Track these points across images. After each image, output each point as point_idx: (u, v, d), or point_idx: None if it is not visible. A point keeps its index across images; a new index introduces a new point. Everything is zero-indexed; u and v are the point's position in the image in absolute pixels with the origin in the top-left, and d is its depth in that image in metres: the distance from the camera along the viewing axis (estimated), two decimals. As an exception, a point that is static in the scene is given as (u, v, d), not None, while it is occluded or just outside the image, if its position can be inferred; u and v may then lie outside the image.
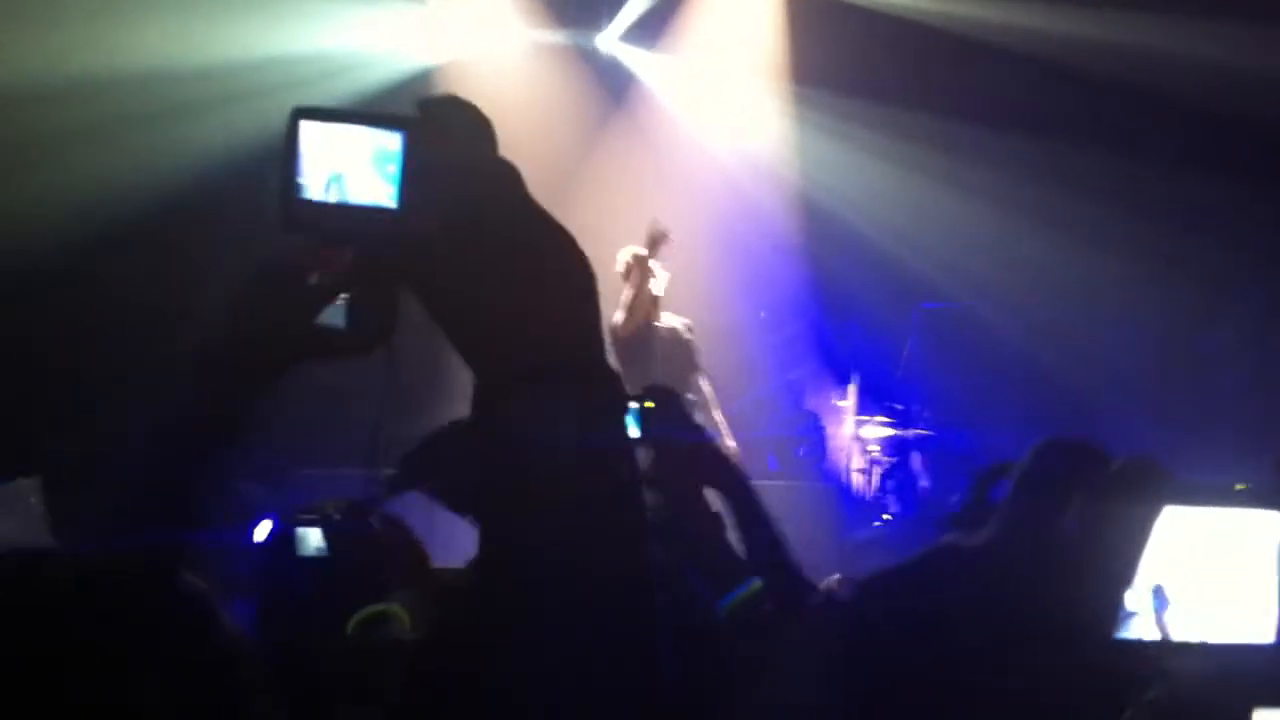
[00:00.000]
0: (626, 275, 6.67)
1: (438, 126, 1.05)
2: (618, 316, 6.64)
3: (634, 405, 2.64)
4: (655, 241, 6.66)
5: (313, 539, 2.45)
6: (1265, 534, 2.00)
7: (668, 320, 6.82)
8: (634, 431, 2.65)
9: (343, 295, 1.50)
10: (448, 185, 1.04)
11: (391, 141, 1.10)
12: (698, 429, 2.75)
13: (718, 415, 6.85)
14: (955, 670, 1.65)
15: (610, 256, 6.77)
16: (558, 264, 1.00)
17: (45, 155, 6.49)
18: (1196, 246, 7.82)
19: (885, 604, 1.75)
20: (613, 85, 9.09)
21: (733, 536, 2.53)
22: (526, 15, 8.75)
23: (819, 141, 8.89)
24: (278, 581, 2.41)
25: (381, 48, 7.99)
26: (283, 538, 2.44)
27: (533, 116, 8.46)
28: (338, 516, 2.47)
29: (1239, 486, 2.06)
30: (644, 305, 6.63)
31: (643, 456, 2.69)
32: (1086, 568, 1.75)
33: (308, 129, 1.14)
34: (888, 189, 8.62)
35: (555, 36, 8.92)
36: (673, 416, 2.62)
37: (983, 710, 1.65)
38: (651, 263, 6.66)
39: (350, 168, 1.12)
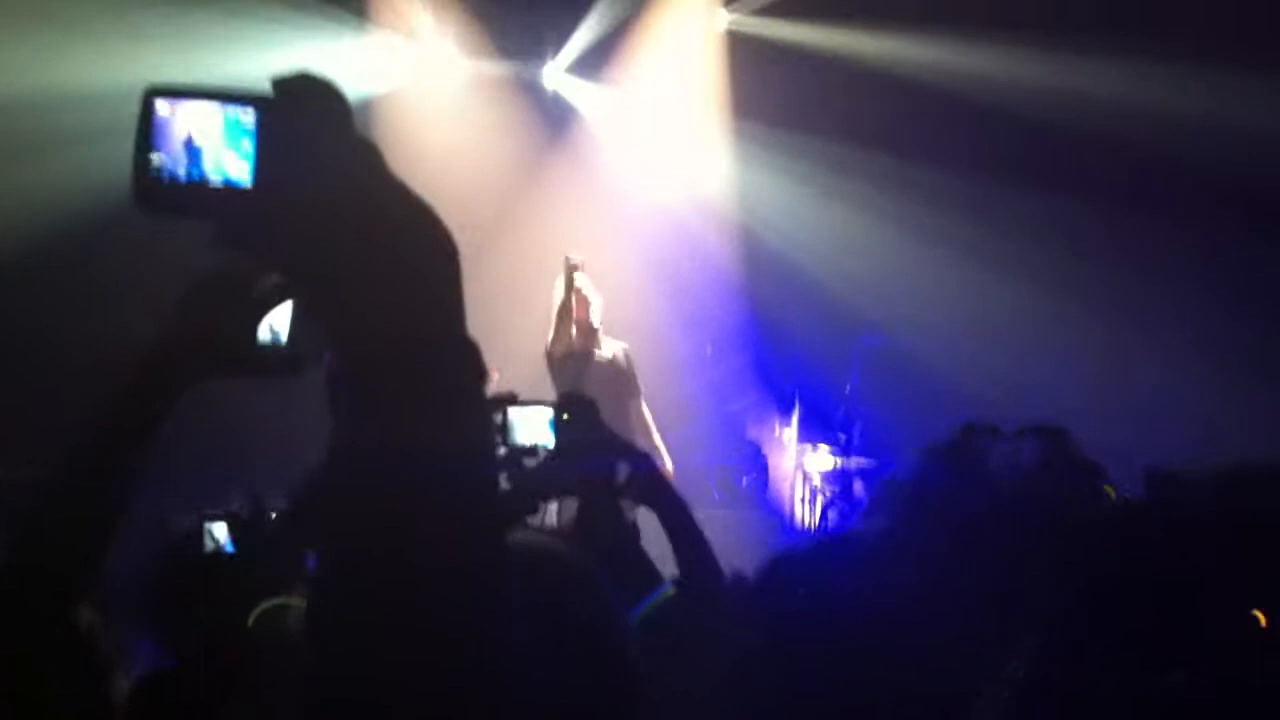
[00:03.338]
0: (563, 302, 6.73)
1: (292, 103, 1.05)
2: (549, 338, 6.71)
3: (550, 414, 2.67)
4: (569, 273, 6.71)
5: (218, 534, 2.47)
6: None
7: (607, 346, 6.85)
8: (549, 439, 2.68)
9: (284, 311, 1.48)
10: (303, 162, 1.03)
11: (245, 116, 1.09)
12: (614, 439, 2.77)
13: (657, 439, 6.88)
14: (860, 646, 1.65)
15: (548, 287, 6.82)
16: (418, 241, 0.99)
17: None
18: (1131, 284, 7.97)
19: (786, 582, 1.75)
20: (555, 119, 9.14)
21: (651, 550, 2.55)
22: (471, 47, 8.79)
23: (760, 176, 8.98)
24: (182, 576, 2.43)
25: (321, 74, 7.95)
26: (188, 534, 2.46)
27: (474, 148, 8.50)
28: (244, 514, 2.50)
29: (1108, 488, 2.08)
30: (567, 324, 6.67)
31: (555, 467, 2.71)
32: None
33: (161, 106, 1.14)
34: (828, 224, 8.71)
35: (500, 68, 8.95)
36: (589, 426, 2.64)
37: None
38: (584, 289, 6.71)
39: (205, 143, 1.11)
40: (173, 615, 2.37)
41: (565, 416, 2.68)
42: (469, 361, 0.97)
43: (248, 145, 1.10)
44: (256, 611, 2.22)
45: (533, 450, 2.72)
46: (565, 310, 6.70)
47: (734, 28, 9.13)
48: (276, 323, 1.50)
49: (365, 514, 0.91)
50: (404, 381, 0.94)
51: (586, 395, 2.88)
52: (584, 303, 6.73)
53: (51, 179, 6.74)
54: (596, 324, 6.76)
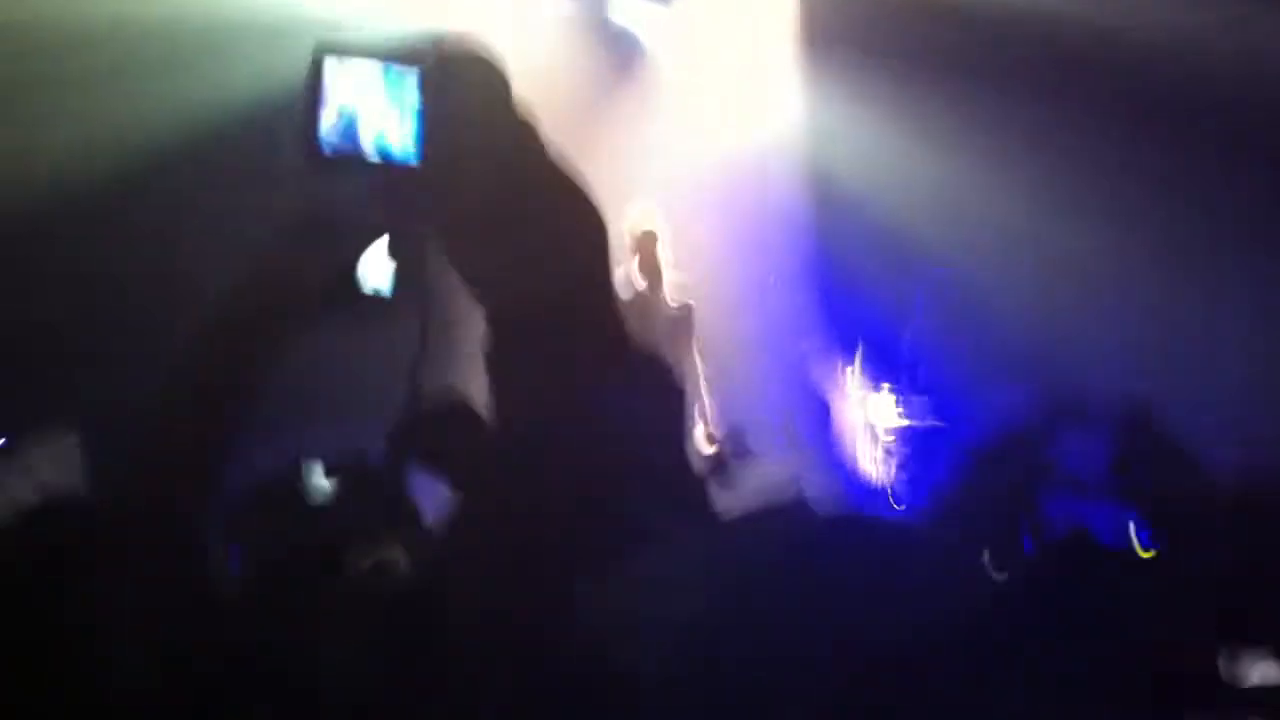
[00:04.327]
0: (630, 245, 6.72)
1: (455, 72, 1.04)
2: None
3: None
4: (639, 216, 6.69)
5: (319, 483, 2.50)
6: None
7: (669, 294, 6.84)
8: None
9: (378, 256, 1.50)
10: (468, 137, 1.03)
11: (408, 78, 1.09)
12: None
13: (705, 397, 6.87)
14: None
15: (615, 217, 6.80)
16: (572, 213, 1.00)
17: (71, 97, 6.49)
18: (1205, 223, 7.78)
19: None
20: (622, 54, 9.04)
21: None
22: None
23: (830, 109, 8.83)
24: (281, 523, 2.48)
25: (389, 17, 7.94)
26: (288, 481, 2.50)
27: (538, 84, 8.43)
28: (344, 463, 2.54)
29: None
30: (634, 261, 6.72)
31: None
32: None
33: (331, 66, 1.13)
34: (899, 158, 8.55)
35: (566, 7, 8.88)
36: None
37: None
38: (654, 227, 6.71)
39: (366, 107, 1.10)
40: (265, 555, 2.41)
41: None
42: (618, 323, 0.98)
43: (411, 108, 1.10)
44: (353, 561, 2.25)
45: None
46: (634, 247, 6.68)
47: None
48: (370, 267, 1.51)
49: (512, 465, 0.93)
50: (553, 344, 0.95)
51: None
52: (652, 239, 6.73)
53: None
54: (664, 263, 6.75)
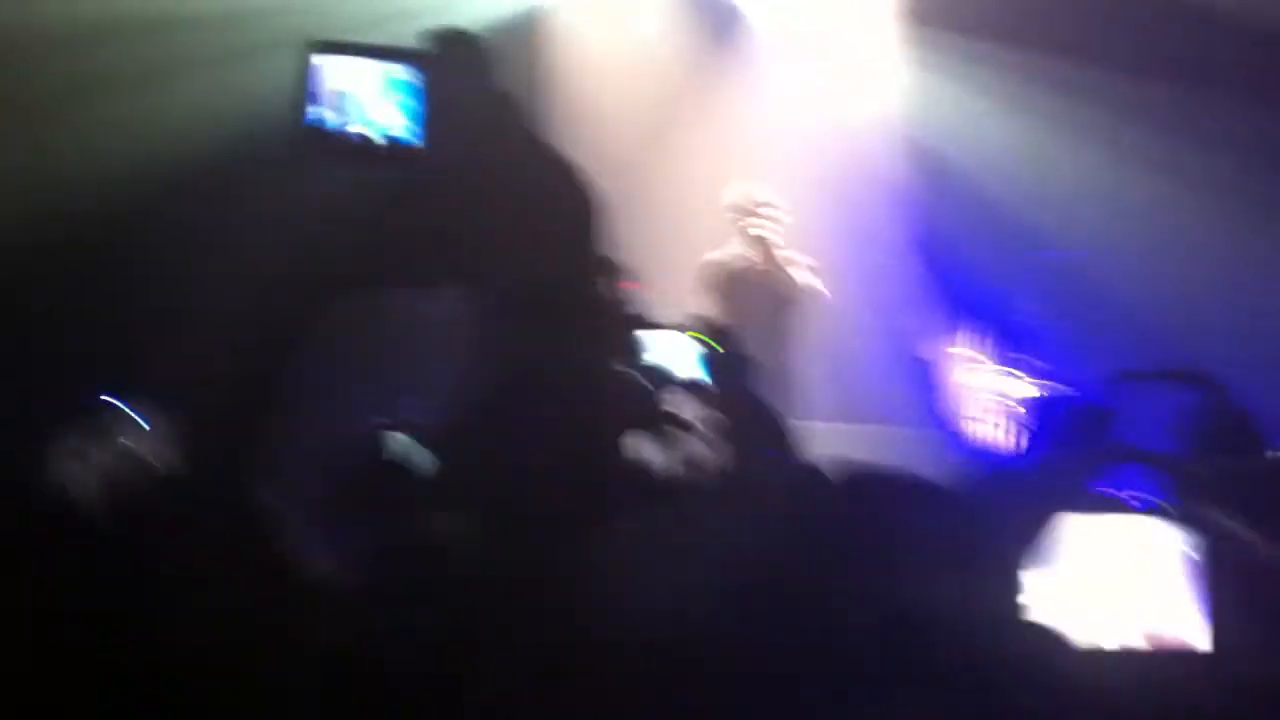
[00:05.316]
0: (735, 213, 6.68)
1: (451, 60, 1.03)
2: (717, 254, 6.71)
3: (687, 340, 2.70)
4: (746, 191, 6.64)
5: (397, 443, 2.54)
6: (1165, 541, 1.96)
7: (782, 267, 6.79)
8: (694, 370, 2.71)
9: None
10: (468, 121, 1.02)
11: (403, 73, 1.09)
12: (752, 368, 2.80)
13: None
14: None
15: (717, 194, 6.77)
16: (562, 193, 0.98)
17: (118, 93, 6.60)
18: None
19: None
20: (723, 27, 8.94)
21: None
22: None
23: (939, 86, 8.67)
24: (363, 482, 2.50)
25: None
26: (368, 440, 2.54)
27: (640, 58, 8.42)
28: (421, 424, 2.57)
29: None
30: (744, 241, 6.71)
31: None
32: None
33: (320, 61, 1.13)
34: (1009, 136, 8.38)
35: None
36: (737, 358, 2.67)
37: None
38: (767, 205, 6.67)
39: (360, 95, 1.11)
40: (352, 518, 2.43)
41: (717, 349, 2.71)
42: (604, 304, 0.98)
43: (407, 102, 1.08)
44: (441, 526, 2.25)
45: (684, 383, 2.76)
46: (743, 226, 6.64)
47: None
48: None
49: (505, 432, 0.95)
50: (543, 321, 0.96)
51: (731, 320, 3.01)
52: (758, 213, 6.69)
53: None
54: (777, 241, 6.72)
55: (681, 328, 2.84)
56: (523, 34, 7.67)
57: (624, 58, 8.36)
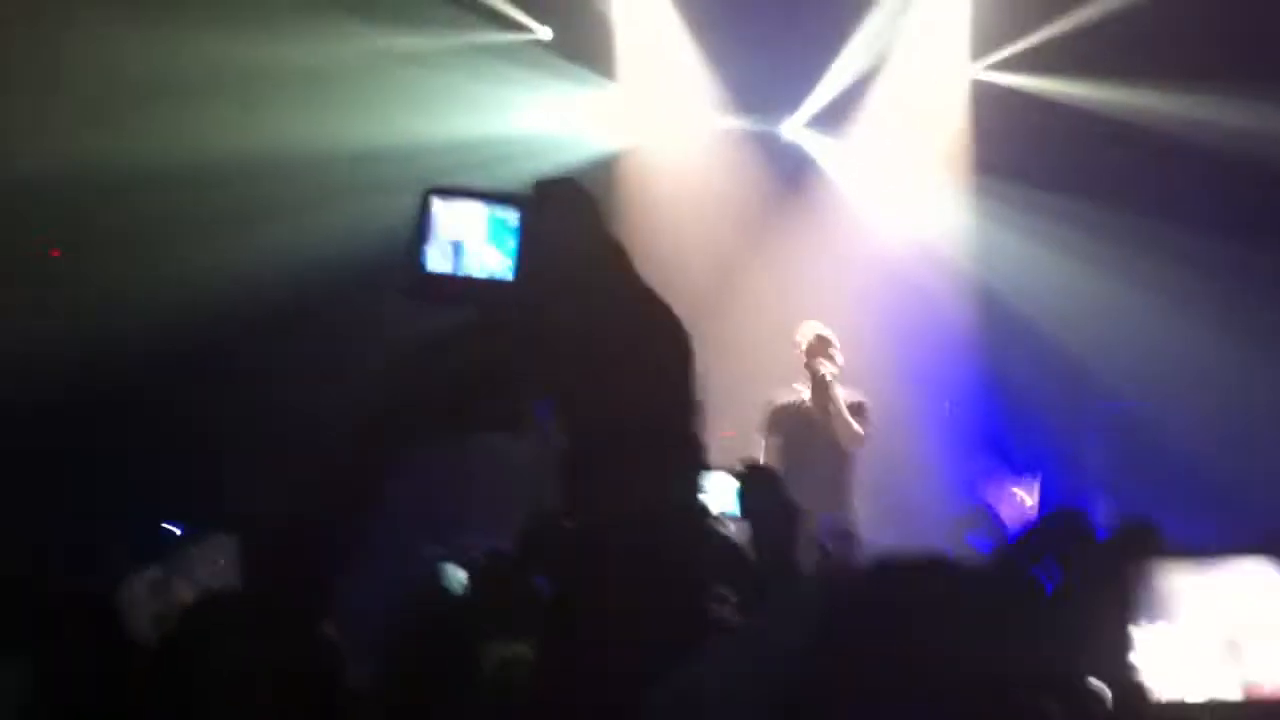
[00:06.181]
0: (806, 351, 6.73)
1: (551, 204, 1.12)
2: (780, 396, 6.75)
3: (733, 482, 2.79)
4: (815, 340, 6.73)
5: (456, 578, 2.57)
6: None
7: (842, 410, 6.77)
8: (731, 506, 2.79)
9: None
10: (560, 258, 1.10)
11: (509, 217, 1.18)
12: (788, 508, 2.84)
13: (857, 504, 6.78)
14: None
15: (784, 334, 6.86)
16: (659, 337, 1.05)
17: (207, 234, 6.86)
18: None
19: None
20: (793, 172, 9.13)
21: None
22: (713, 100, 8.88)
23: (1001, 233, 8.75)
24: (418, 617, 2.53)
25: (567, 130, 8.20)
26: (428, 577, 2.56)
27: (713, 201, 8.59)
28: (481, 560, 2.59)
29: None
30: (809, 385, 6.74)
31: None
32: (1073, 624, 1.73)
33: (437, 205, 1.23)
34: (1070, 284, 8.41)
35: (740, 122, 9.01)
36: (772, 495, 2.73)
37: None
38: (830, 350, 6.73)
39: (470, 240, 1.20)
40: (407, 651, 2.46)
41: (748, 487, 2.80)
42: (692, 448, 1.02)
43: (510, 243, 1.18)
44: (492, 658, 2.28)
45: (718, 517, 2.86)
46: (811, 366, 6.69)
47: (981, 78, 8.96)
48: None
49: (583, 576, 0.96)
50: (631, 462, 0.99)
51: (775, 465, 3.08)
52: (828, 365, 6.71)
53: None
54: (836, 382, 6.73)
55: (731, 470, 2.90)
56: (602, 176, 7.87)
57: (699, 201, 8.56)
